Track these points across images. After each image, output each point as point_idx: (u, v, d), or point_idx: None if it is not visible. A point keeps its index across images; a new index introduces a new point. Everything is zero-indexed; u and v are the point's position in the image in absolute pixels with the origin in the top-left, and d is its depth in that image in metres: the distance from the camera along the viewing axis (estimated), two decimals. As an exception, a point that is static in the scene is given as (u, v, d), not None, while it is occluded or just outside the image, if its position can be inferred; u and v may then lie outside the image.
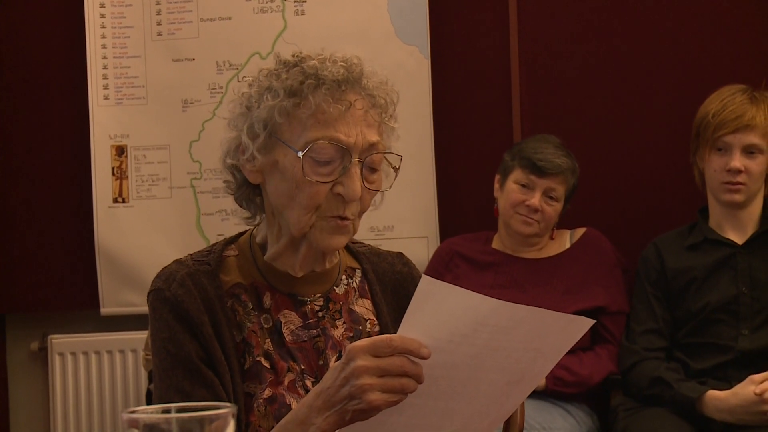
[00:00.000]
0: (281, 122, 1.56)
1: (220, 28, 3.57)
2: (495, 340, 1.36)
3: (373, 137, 1.58)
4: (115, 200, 3.57)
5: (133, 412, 0.99)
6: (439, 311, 1.32)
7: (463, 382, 1.39)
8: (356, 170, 1.55)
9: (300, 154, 1.54)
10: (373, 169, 1.59)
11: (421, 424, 1.42)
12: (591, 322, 1.41)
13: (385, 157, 1.61)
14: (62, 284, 3.64)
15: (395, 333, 1.67)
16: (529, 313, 1.35)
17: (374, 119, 1.58)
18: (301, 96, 1.55)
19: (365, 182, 1.57)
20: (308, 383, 1.61)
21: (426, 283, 1.31)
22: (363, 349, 1.35)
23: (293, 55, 1.62)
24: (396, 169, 1.62)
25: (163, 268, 1.63)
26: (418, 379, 1.35)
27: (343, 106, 1.55)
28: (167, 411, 1.00)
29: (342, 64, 1.57)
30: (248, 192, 1.67)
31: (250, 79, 1.63)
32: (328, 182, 1.55)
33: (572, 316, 1.40)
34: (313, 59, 1.58)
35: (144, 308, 3.54)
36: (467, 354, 1.36)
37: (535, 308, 1.35)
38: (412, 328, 1.34)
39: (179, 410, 0.99)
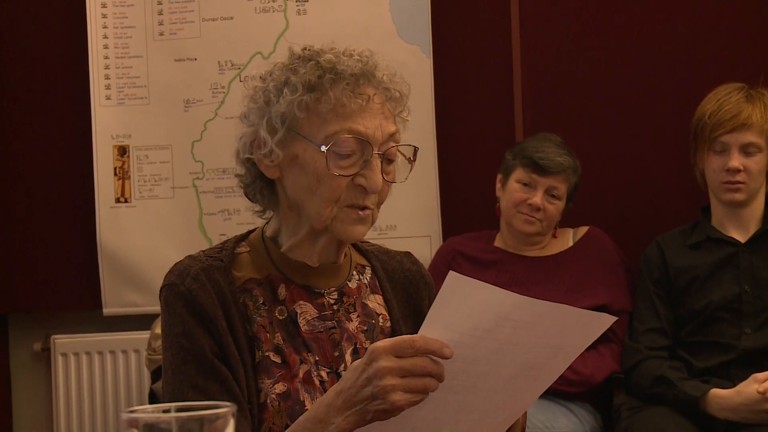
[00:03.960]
0: (301, 117, 1.57)
1: (221, 28, 3.57)
2: (517, 335, 1.37)
3: (392, 128, 1.60)
4: (118, 200, 3.57)
5: (132, 411, 0.98)
6: (464, 306, 1.34)
7: (482, 376, 1.40)
8: (377, 162, 1.58)
9: (324, 148, 1.55)
10: (390, 161, 1.61)
11: (439, 417, 1.42)
12: (613, 318, 1.42)
13: (399, 149, 1.63)
14: (65, 284, 3.64)
15: (406, 329, 1.69)
16: (551, 309, 1.36)
17: (390, 112, 1.61)
18: (321, 90, 1.56)
19: (383, 173, 1.59)
20: (323, 374, 1.62)
21: (452, 278, 1.32)
22: (385, 350, 1.35)
23: (305, 49, 1.63)
24: (411, 161, 1.64)
25: (175, 264, 1.64)
26: (440, 378, 1.36)
27: (363, 100, 1.57)
28: (167, 411, 1.00)
29: (357, 57, 1.59)
30: (261, 186, 1.67)
31: (263, 72, 1.64)
32: (350, 175, 1.57)
33: (594, 312, 1.42)
34: (328, 53, 1.60)
35: (146, 308, 3.59)
36: (488, 349, 1.37)
37: (558, 304, 1.36)
38: (436, 322, 1.35)
39: (179, 410, 0.99)
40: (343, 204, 1.59)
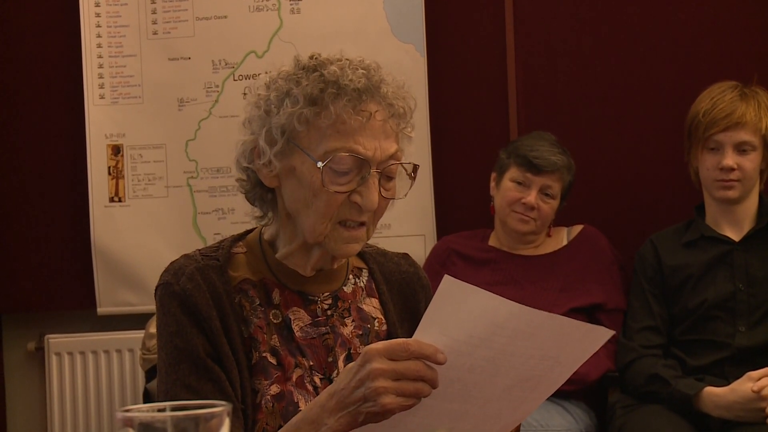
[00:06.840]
0: (300, 130, 1.56)
1: (215, 27, 3.57)
2: (512, 344, 1.35)
3: (392, 148, 1.58)
4: (112, 199, 3.57)
5: (127, 410, 0.98)
6: (459, 312, 1.32)
7: (477, 385, 1.39)
8: (374, 181, 1.56)
9: (320, 164, 1.54)
10: (390, 177, 1.60)
11: (434, 425, 1.42)
12: (610, 332, 1.41)
13: (401, 165, 1.61)
14: (59, 284, 3.63)
15: (402, 332, 1.68)
16: (548, 320, 1.35)
17: (392, 129, 1.58)
18: (322, 105, 1.54)
19: (382, 190, 1.57)
20: (316, 379, 1.62)
21: (447, 283, 1.31)
22: (379, 352, 1.35)
23: (312, 58, 1.61)
24: (412, 177, 1.62)
25: (171, 263, 1.64)
26: (433, 384, 1.36)
27: (364, 118, 1.54)
28: (162, 410, 1.00)
29: (362, 71, 1.57)
30: (261, 192, 1.67)
31: (268, 80, 1.62)
32: (346, 192, 1.56)
33: (591, 325, 1.40)
34: (333, 65, 1.57)
35: (140, 308, 3.58)
36: (484, 357, 1.36)
37: (555, 315, 1.35)
38: (431, 326, 1.34)
39: (174, 409, 0.99)
40: (338, 220, 1.58)
